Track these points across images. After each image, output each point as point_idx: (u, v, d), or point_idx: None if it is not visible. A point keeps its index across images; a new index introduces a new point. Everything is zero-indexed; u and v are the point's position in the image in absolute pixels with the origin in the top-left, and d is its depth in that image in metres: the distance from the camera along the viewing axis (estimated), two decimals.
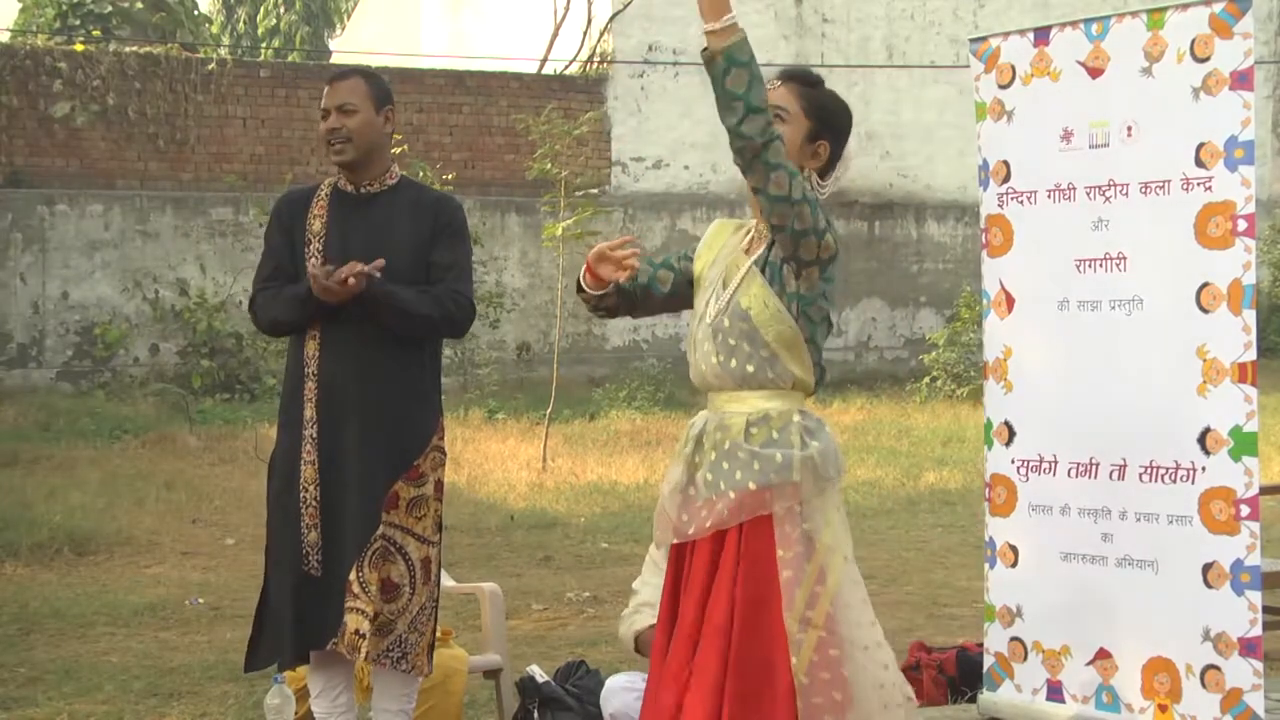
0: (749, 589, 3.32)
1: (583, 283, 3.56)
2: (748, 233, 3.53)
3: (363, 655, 4.04)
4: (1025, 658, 4.58)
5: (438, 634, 4.37)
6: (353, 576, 4.05)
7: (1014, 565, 4.61)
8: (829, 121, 3.50)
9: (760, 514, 3.33)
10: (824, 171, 3.48)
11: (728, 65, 3.21)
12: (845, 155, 3.49)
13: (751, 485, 3.33)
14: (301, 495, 4.11)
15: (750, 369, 3.41)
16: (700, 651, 3.35)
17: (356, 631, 4.03)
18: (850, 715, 3.28)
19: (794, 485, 3.32)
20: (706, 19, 3.23)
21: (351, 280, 3.94)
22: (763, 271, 3.39)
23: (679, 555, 3.49)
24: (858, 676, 3.31)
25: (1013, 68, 4.56)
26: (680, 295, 3.64)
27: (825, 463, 3.36)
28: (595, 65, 18.16)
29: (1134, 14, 4.31)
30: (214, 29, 32.35)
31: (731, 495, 3.35)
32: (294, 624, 4.11)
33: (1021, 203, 4.58)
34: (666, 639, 3.47)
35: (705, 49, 3.25)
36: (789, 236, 3.32)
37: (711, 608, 3.36)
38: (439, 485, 4.20)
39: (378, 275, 3.99)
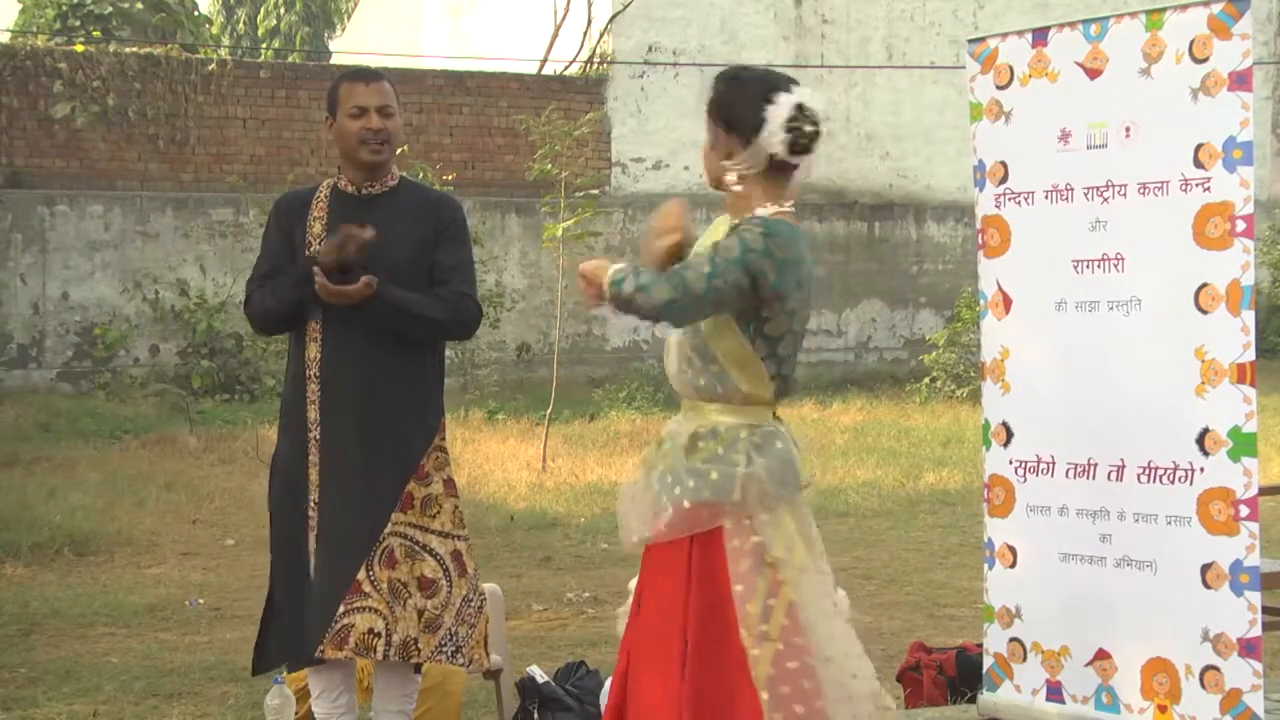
0: (703, 602, 3.32)
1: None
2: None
3: (379, 655, 4.04)
4: (1024, 658, 4.58)
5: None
6: (362, 575, 4.05)
7: (1013, 566, 4.61)
8: (720, 113, 3.43)
9: (700, 530, 3.32)
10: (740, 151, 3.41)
11: (623, 303, 3.25)
12: (764, 123, 3.35)
13: (686, 503, 3.32)
14: (304, 498, 4.11)
15: (702, 382, 3.41)
16: (661, 661, 3.35)
17: (370, 631, 4.03)
18: None
19: (733, 504, 3.30)
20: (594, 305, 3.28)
21: (367, 278, 3.94)
22: None
23: (646, 555, 3.51)
24: (824, 689, 3.28)
25: (1011, 68, 4.57)
26: None
27: (772, 479, 3.32)
28: (595, 66, 18.16)
29: (1133, 15, 4.31)
30: (214, 30, 32.37)
31: (669, 511, 3.34)
32: (292, 626, 4.12)
33: (1019, 203, 4.58)
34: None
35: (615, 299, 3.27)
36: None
37: (670, 617, 3.36)
38: (448, 483, 4.20)
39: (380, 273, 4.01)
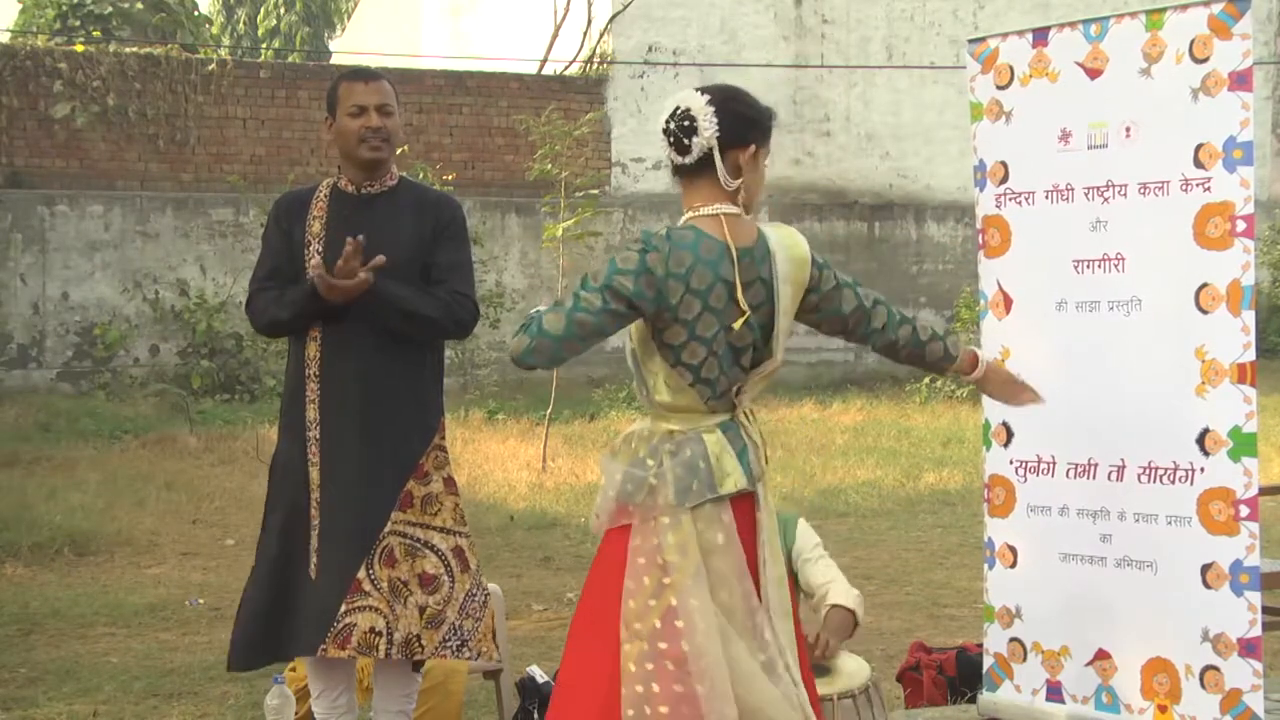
0: (597, 593, 3.40)
1: None
2: None
3: (381, 653, 4.04)
4: (1025, 658, 4.58)
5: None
6: (362, 574, 4.05)
7: (1013, 566, 4.61)
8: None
9: (611, 526, 3.39)
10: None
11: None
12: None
13: (599, 501, 3.43)
14: (305, 497, 4.11)
15: (635, 384, 3.49)
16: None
17: (372, 630, 4.03)
18: None
19: (636, 506, 3.34)
20: None
21: (362, 274, 3.94)
22: None
23: None
24: (699, 700, 3.25)
25: (1011, 68, 4.57)
26: None
27: (675, 486, 3.32)
28: (595, 66, 18.16)
29: (1133, 15, 4.31)
30: (214, 30, 32.39)
31: (602, 503, 3.42)
32: (284, 626, 4.11)
33: (1019, 203, 4.58)
34: None
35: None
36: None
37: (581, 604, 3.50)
38: (448, 481, 4.21)
39: (379, 269, 4.00)
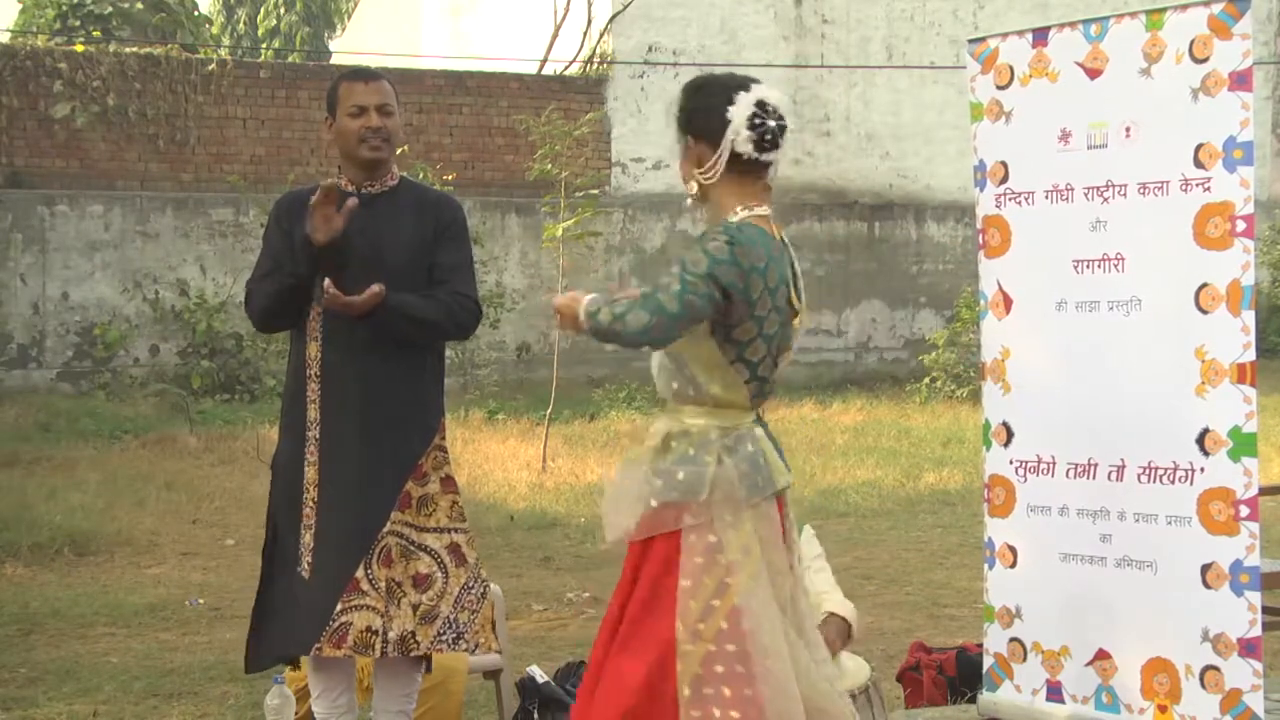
0: (646, 591, 3.35)
1: None
2: None
3: (377, 652, 4.05)
4: (1025, 658, 4.58)
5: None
6: (360, 574, 4.06)
7: (1013, 566, 4.61)
8: (686, 121, 3.47)
9: (666, 530, 3.33)
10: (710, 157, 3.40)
11: (603, 334, 3.28)
12: (728, 124, 3.37)
13: (654, 503, 3.35)
14: (302, 496, 4.12)
15: (675, 385, 3.43)
16: (597, 648, 3.43)
17: (368, 629, 4.04)
18: None
19: (699, 504, 3.31)
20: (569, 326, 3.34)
21: (375, 287, 3.95)
22: None
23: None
24: (762, 702, 3.24)
25: (1011, 68, 4.57)
26: None
27: (741, 482, 3.31)
28: (595, 66, 18.16)
29: (1133, 15, 4.31)
30: (214, 30, 32.38)
31: (640, 509, 3.37)
32: (293, 624, 4.12)
33: (1019, 203, 4.58)
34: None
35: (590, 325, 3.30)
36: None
37: (613, 607, 3.43)
38: (446, 480, 4.21)
39: (384, 272, 4.01)
